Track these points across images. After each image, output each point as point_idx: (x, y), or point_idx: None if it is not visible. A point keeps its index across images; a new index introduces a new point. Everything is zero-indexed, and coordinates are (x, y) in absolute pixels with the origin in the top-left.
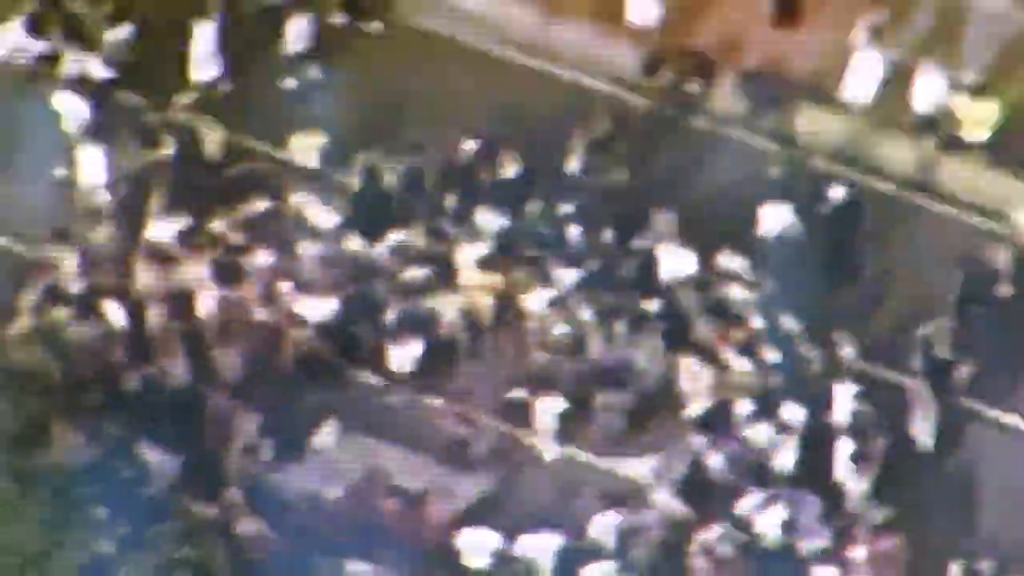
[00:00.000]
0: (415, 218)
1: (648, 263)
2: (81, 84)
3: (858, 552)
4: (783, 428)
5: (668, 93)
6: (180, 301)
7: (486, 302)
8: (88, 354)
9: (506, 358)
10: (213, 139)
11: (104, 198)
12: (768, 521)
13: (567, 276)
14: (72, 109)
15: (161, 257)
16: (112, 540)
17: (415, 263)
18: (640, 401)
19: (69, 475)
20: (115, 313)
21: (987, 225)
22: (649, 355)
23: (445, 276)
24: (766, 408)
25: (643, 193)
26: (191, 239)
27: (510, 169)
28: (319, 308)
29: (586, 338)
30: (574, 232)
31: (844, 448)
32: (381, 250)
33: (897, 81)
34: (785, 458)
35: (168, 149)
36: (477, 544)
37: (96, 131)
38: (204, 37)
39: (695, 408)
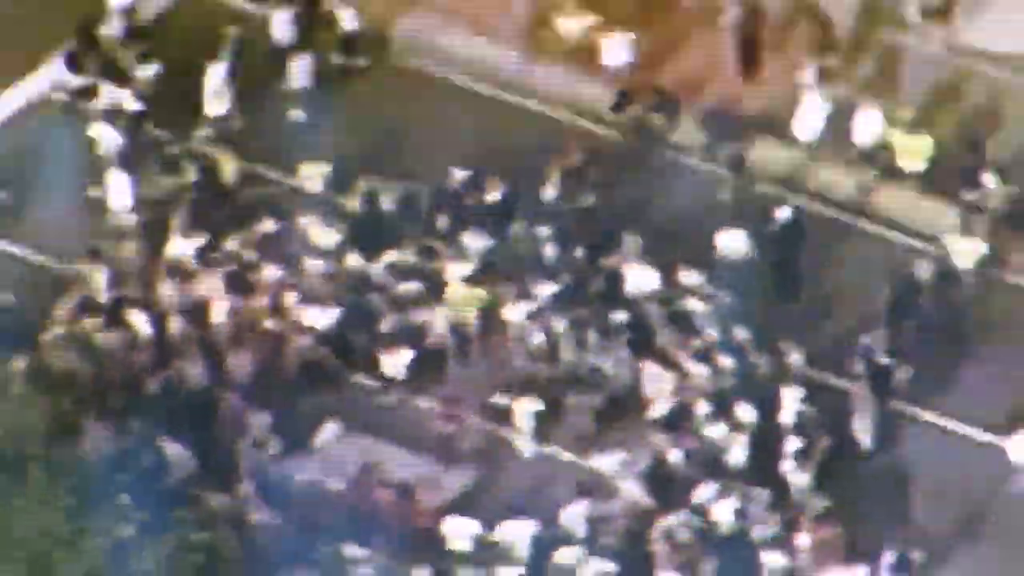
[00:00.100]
0: (408, 238)
1: (616, 279)
2: (114, 115)
3: (802, 539)
4: (736, 427)
5: (636, 127)
6: (197, 311)
7: (471, 314)
8: (115, 358)
9: (489, 364)
10: (229, 167)
11: (131, 219)
12: (722, 510)
13: (544, 291)
14: (106, 137)
15: (181, 272)
16: (133, 525)
17: (408, 278)
18: (608, 403)
19: (96, 466)
20: (140, 322)
21: (917, 243)
22: (616, 361)
23: (435, 290)
24: (721, 409)
25: (612, 216)
26: (207, 256)
27: (494, 195)
28: (321, 318)
29: (560, 346)
30: (550, 251)
31: (790, 446)
32: (378, 267)
33: (840, 117)
34: (738, 454)
35: (190, 176)
36: (461, 530)
37: (124, 159)
38: (216, 76)
39: (657, 409)
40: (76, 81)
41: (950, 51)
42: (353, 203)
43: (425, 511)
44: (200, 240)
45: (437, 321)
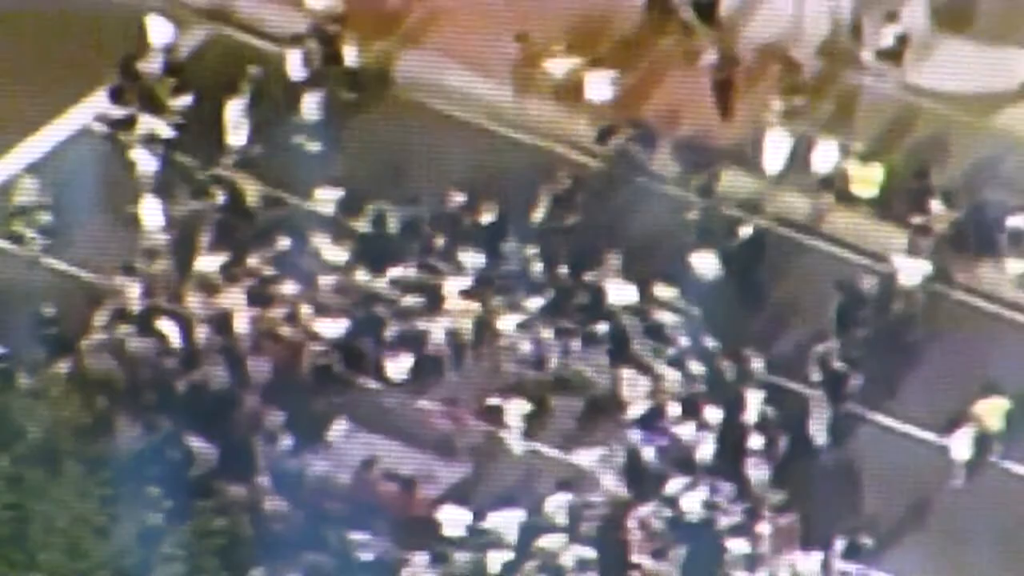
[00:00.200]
0: (411, 256)
1: (598, 293)
2: (151, 142)
3: (763, 527)
4: (704, 426)
5: (617, 157)
6: (221, 320)
7: (467, 324)
8: (146, 363)
9: (483, 369)
10: (253, 191)
11: (162, 238)
12: (691, 501)
13: (532, 303)
14: (144, 162)
15: (207, 285)
16: (161, 514)
17: (410, 292)
18: (590, 404)
19: (127, 461)
20: (169, 330)
21: (868, 262)
22: (597, 367)
23: (434, 303)
24: (691, 410)
25: (594, 236)
26: (231, 271)
27: (488, 217)
28: (332, 327)
29: (547, 353)
30: (538, 268)
31: (753, 443)
32: (383, 281)
33: (801, 148)
34: (705, 450)
35: (217, 199)
36: (455, 519)
37: (157, 183)
38: (236, 110)
39: (634, 410)
40: (118, 112)
41: (902, 90)
42: (361, 224)
43: (423, 501)
44: (224, 257)
45: (436, 330)
